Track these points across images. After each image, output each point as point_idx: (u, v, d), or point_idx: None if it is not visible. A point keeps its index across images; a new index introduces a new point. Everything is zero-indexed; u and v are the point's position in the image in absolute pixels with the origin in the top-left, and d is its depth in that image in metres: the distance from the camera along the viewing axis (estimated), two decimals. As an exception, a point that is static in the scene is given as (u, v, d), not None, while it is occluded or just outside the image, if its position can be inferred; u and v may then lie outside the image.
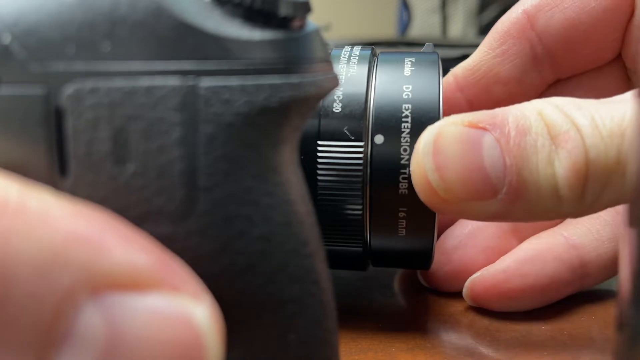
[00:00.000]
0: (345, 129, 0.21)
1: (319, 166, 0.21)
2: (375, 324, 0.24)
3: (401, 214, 0.21)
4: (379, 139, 0.21)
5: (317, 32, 0.14)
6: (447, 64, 0.26)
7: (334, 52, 0.23)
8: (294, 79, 0.13)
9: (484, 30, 1.37)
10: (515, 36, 0.27)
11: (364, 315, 0.25)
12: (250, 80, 0.12)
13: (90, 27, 0.12)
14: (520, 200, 0.19)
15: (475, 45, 0.28)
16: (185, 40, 0.12)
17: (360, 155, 0.21)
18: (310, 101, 0.13)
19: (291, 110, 0.13)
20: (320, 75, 0.13)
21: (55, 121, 0.12)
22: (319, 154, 0.21)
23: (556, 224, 0.27)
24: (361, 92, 0.21)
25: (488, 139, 0.19)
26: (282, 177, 0.13)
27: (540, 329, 0.23)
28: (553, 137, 0.19)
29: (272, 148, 0.13)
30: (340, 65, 0.22)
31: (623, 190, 0.19)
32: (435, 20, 1.43)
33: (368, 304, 0.27)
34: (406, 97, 0.21)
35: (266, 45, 0.13)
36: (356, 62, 0.22)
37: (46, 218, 0.10)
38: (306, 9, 0.13)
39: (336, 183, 0.21)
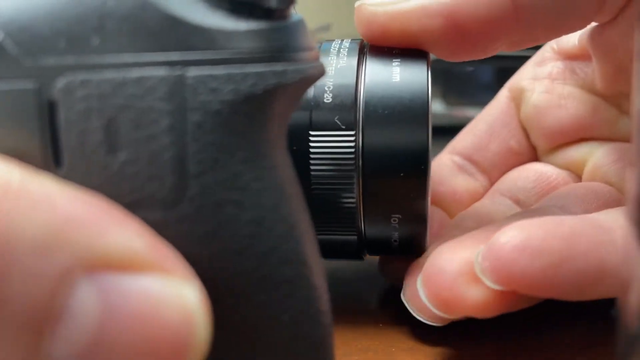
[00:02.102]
0: (336, 118, 0.21)
1: (312, 156, 0.21)
2: (375, 324, 0.24)
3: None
4: None
5: (301, 22, 0.14)
6: (447, 64, 0.27)
7: (324, 45, 0.24)
8: (278, 67, 0.13)
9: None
10: None
11: (364, 315, 0.25)
12: (236, 69, 0.13)
13: (80, 21, 0.12)
14: None
15: None
16: (171, 32, 0.12)
17: (352, 144, 0.21)
18: (295, 88, 0.14)
19: (276, 97, 0.13)
20: (305, 64, 0.14)
21: (48, 114, 0.12)
22: (311, 144, 0.21)
23: None
24: (351, 83, 0.22)
25: None
26: (270, 162, 0.13)
27: (541, 329, 0.23)
28: None
29: (259, 134, 0.13)
30: (330, 58, 0.23)
31: None
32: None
33: (368, 304, 0.27)
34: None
35: (251, 35, 0.13)
36: (346, 54, 0.23)
37: (47, 200, 0.10)
38: (290, 0, 0.13)
39: (329, 172, 0.21)
